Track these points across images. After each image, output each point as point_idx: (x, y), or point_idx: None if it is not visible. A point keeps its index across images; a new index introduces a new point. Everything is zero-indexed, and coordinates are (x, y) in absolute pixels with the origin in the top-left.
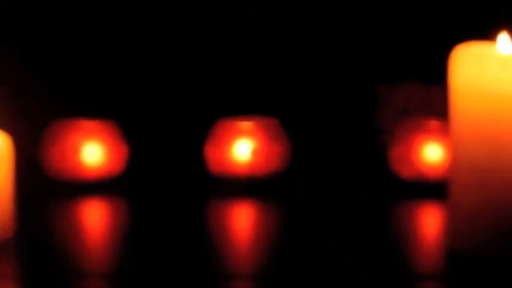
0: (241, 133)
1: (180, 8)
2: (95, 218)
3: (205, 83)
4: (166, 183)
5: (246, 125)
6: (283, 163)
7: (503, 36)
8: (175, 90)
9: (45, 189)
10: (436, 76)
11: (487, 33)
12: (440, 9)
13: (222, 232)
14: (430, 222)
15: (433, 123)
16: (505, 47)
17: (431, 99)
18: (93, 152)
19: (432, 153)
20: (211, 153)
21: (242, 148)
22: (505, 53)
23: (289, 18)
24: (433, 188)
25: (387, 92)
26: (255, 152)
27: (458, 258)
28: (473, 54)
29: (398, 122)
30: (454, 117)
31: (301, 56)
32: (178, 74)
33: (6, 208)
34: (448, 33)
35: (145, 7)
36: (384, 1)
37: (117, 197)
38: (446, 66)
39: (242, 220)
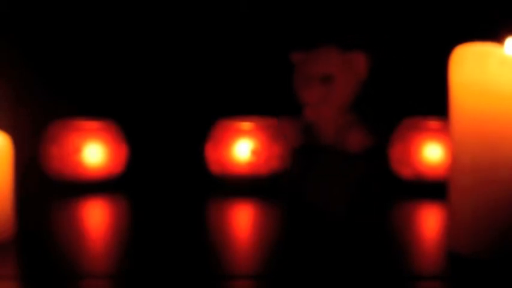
0: (241, 133)
1: (180, 8)
2: (95, 218)
3: (205, 83)
4: (166, 183)
5: (246, 125)
6: (283, 163)
7: (511, 39)
8: (175, 91)
9: (45, 189)
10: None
11: (488, 34)
12: (441, 9)
13: (222, 232)
14: (430, 222)
15: (433, 123)
16: None
17: (353, 64)
18: (93, 152)
19: (432, 153)
20: (211, 153)
21: (242, 148)
22: None
23: (289, 18)
24: (433, 188)
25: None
26: (255, 152)
27: (457, 259)
28: (474, 54)
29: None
30: (454, 116)
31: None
32: (179, 74)
33: (6, 208)
34: (449, 33)
35: (145, 7)
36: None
37: (117, 197)
38: (446, 66)
39: (242, 220)
